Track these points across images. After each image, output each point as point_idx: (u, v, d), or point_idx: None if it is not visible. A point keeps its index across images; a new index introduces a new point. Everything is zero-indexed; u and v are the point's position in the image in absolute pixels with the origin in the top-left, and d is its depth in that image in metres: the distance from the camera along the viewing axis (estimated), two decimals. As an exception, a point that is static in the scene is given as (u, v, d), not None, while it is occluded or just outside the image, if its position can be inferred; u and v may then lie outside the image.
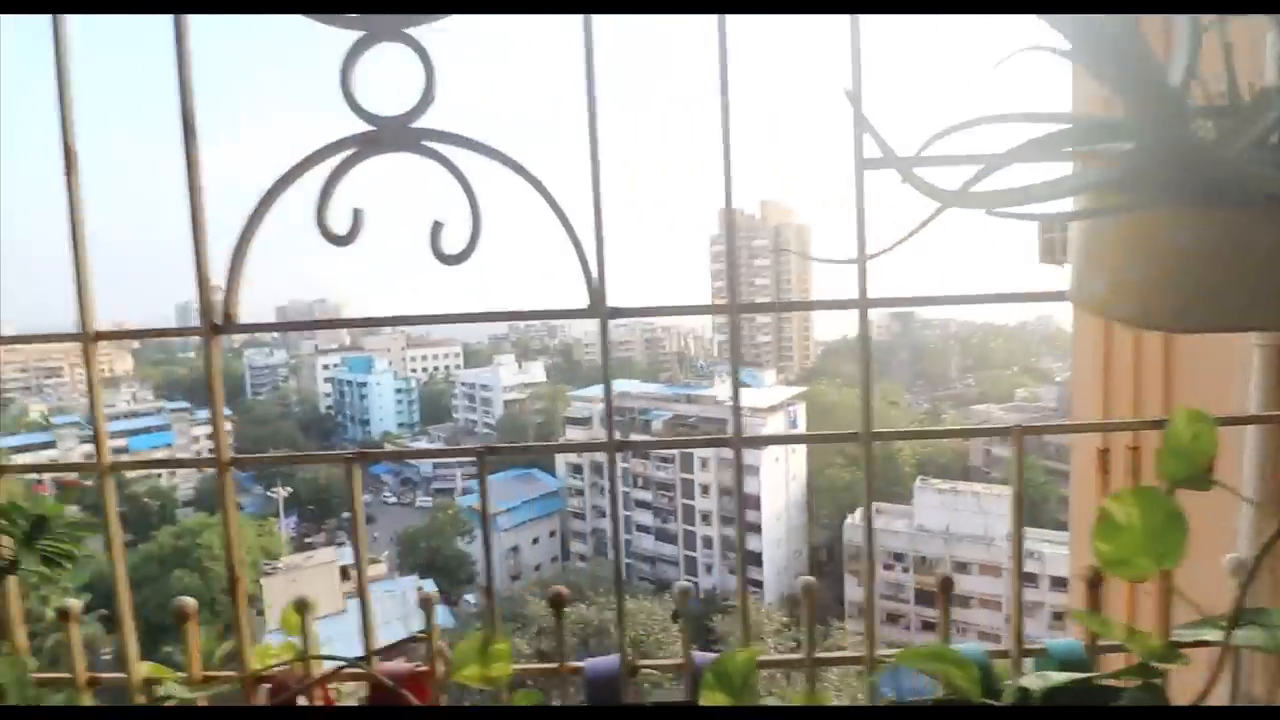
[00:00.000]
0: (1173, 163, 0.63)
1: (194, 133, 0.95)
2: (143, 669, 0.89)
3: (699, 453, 35.17)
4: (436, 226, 0.93)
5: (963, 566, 28.42)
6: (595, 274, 0.92)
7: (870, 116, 0.75)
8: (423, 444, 47.61)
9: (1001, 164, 0.69)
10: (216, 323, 0.95)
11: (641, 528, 37.74)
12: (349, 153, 0.95)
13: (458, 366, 64.34)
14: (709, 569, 34.54)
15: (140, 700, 0.86)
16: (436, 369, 65.10)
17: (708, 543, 35.35)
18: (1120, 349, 1.52)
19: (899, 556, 30.42)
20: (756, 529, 33.78)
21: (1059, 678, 0.77)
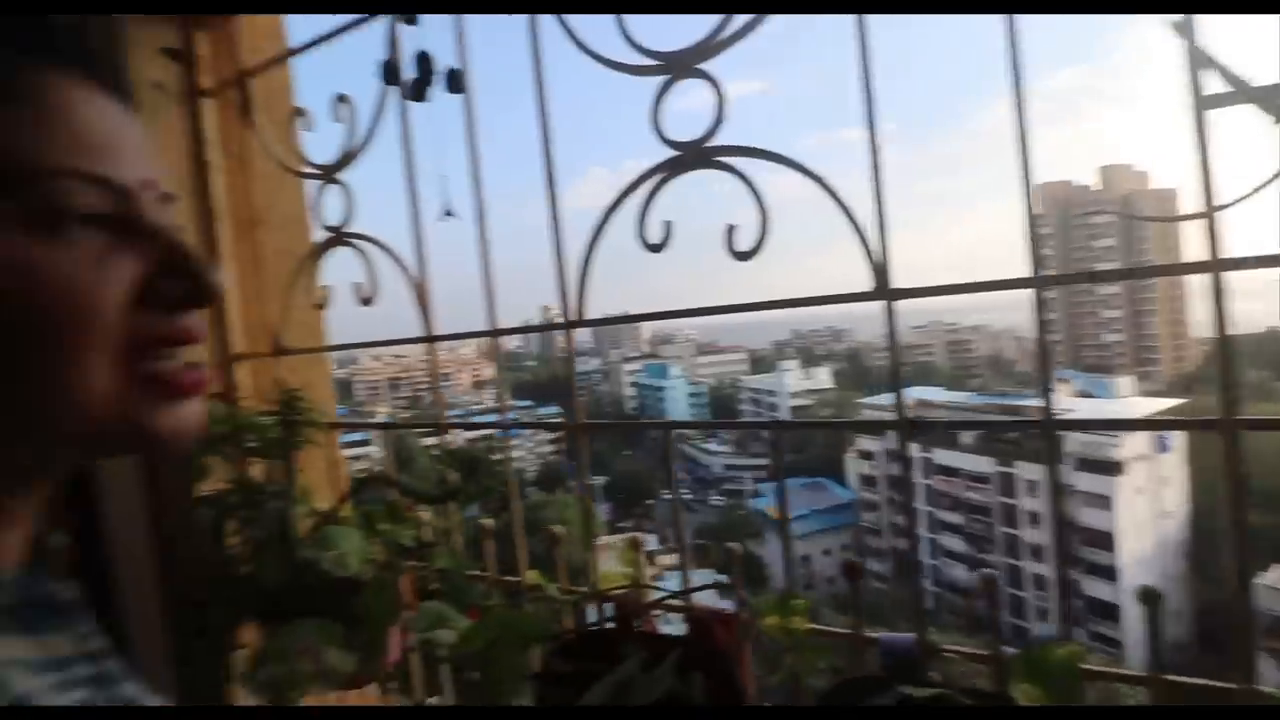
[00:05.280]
0: None
1: (552, 166, 1.25)
2: (531, 575, 1.21)
3: (1023, 475, 29.82)
4: (731, 229, 1.07)
5: None
6: (878, 254, 0.95)
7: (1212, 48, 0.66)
8: (713, 446, 50.48)
9: None
10: (571, 319, 1.23)
11: (952, 555, 33.57)
12: (662, 176, 1.15)
13: (745, 373, 66.45)
14: (1043, 614, 28.45)
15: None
16: (725, 375, 68.22)
17: (1039, 583, 29.51)
18: None
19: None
20: (1110, 573, 27.22)
21: None
